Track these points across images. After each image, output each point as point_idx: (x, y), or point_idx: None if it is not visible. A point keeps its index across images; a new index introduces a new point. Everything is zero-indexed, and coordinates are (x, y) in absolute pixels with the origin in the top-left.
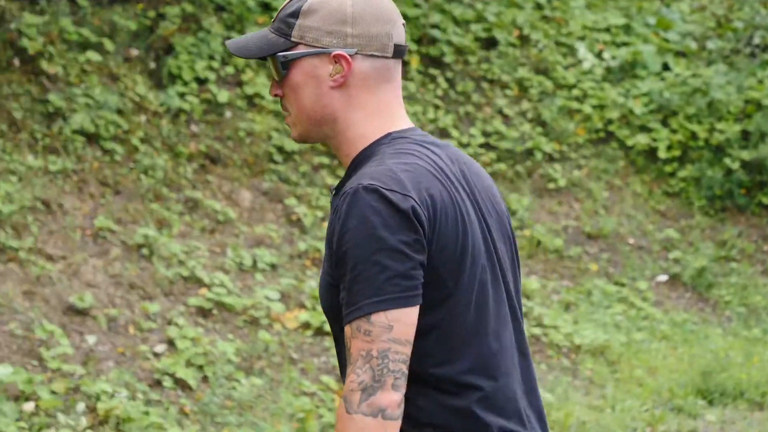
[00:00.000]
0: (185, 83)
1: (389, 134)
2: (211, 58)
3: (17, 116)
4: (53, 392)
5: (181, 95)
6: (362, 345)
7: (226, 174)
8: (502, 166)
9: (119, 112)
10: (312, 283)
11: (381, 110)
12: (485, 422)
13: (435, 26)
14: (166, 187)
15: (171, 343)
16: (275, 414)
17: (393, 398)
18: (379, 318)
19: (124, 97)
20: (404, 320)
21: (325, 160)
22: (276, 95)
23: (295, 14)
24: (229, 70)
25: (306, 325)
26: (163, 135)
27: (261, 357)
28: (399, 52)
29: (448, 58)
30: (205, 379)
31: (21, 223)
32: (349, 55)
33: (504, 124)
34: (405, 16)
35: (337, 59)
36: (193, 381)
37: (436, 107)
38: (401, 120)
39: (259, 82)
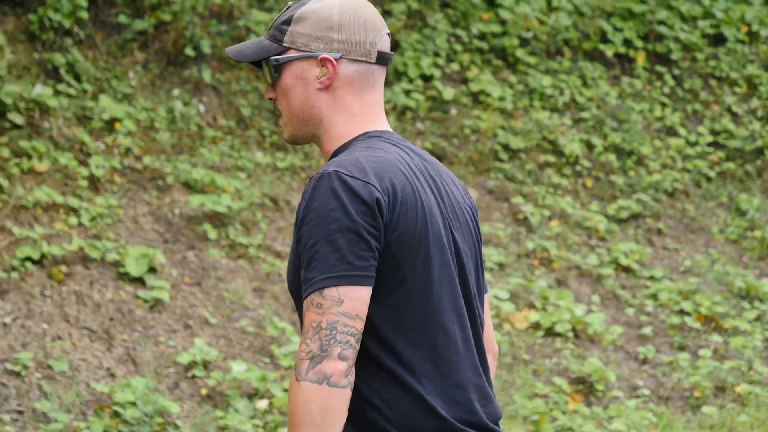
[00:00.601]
0: (410, 80)
1: (366, 132)
2: (437, 54)
3: (245, 113)
4: (286, 390)
5: (407, 92)
6: (313, 317)
7: (452, 171)
8: (730, 165)
9: None
10: (542, 283)
11: (364, 111)
12: (431, 407)
13: (662, 23)
14: None
15: None
16: (509, 416)
17: (338, 367)
18: (331, 292)
19: None
20: (354, 296)
21: (551, 158)
22: (270, 98)
23: (288, 21)
24: (455, 67)
25: (536, 326)
26: None
27: None
28: (382, 59)
29: (675, 55)
30: None
31: (250, 220)
32: (335, 59)
33: (733, 123)
34: (630, 13)
35: (323, 62)
36: None
37: (663, 105)
38: (381, 122)
39: (485, 80)
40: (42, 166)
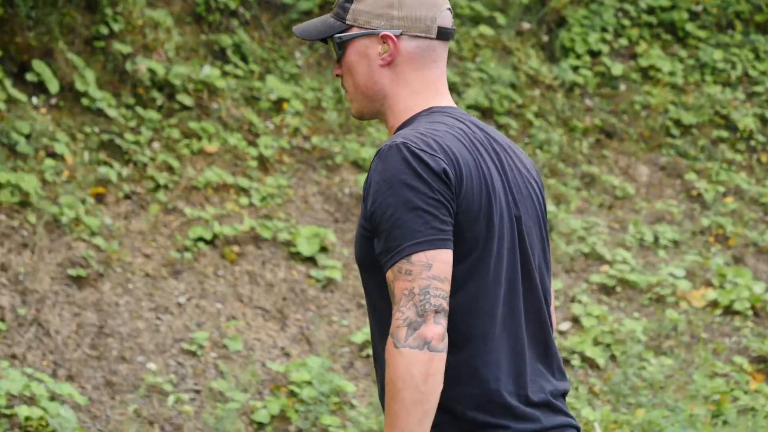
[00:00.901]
0: (578, 56)
1: (431, 108)
2: (604, 30)
3: None
4: None
5: (575, 68)
6: (404, 284)
7: (622, 148)
8: None
9: (512, 86)
10: (718, 260)
11: (426, 87)
12: (484, 377)
13: None
14: (561, 162)
15: (576, 320)
16: (690, 395)
17: (436, 331)
18: (419, 257)
19: (518, 70)
20: (441, 259)
21: (724, 133)
22: (337, 75)
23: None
24: (623, 42)
25: (714, 304)
26: (557, 109)
27: (669, 336)
28: (444, 34)
29: None
30: (612, 358)
31: None
32: (395, 36)
33: None
34: None
35: (384, 39)
36: (601, 360)
37: None
38: (444, 98)
39: (654, 54)
40: (212, 147)
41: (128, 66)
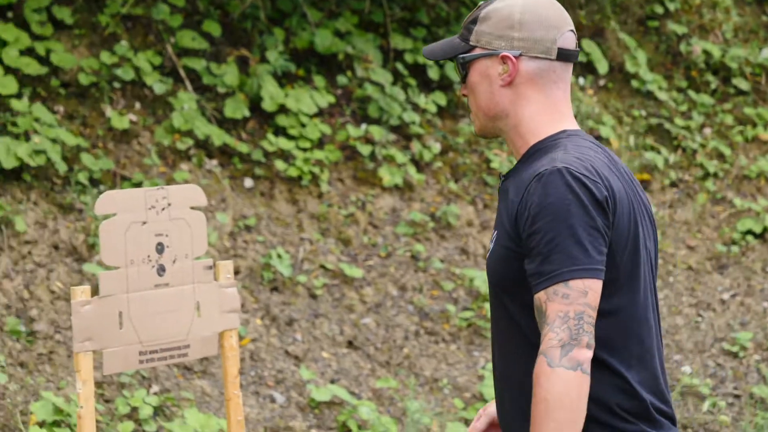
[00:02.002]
0: None
1: (565, 131)
2: None
3: None
4: None
5: None
6: (560, 307)
7: None
8: None
9: None
10: None
11: (549, 108)
12: (638, 392)
13: None
14: None
15: None
16: None
17: (587, 355)
18: (577, 284)
19: None
20: (596, 288)
21: None
22: (464, 95)
23: (474, 21)
24: None
25: None
26: None
27: None
28: (565, 56)
29: None
30: None
31: None
32: (514, 56)
33: None
34: None
35: (504, 60)
36: None
37: None
38: (570, 121)
39: None
40: (767, 135)
41: (682, 47)
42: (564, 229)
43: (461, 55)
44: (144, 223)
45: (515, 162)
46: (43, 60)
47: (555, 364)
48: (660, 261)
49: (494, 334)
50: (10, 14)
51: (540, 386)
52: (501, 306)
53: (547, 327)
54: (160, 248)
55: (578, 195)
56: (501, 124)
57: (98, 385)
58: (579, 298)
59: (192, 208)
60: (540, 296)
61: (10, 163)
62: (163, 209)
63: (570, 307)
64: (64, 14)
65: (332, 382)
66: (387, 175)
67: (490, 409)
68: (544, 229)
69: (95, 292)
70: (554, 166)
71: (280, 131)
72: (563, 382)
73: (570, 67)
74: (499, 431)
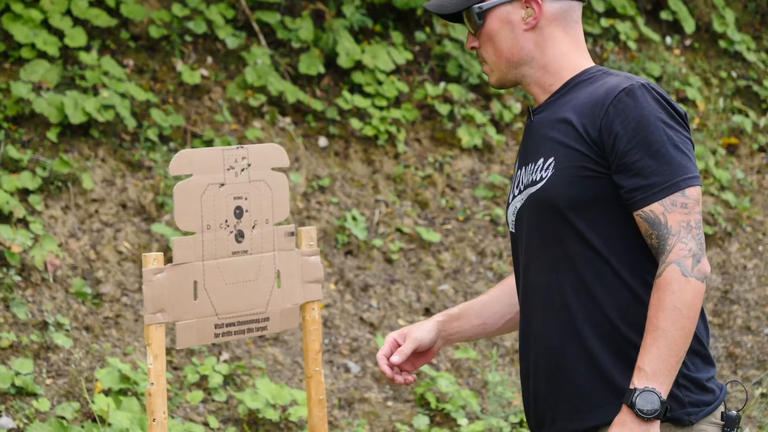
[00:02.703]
0: None
1: (595, 66)
2: None
3: None
4: None
5: None
6: (681, 217)
7: None
8: None
9: None
10: None
11: (576, 46)
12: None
13: None
14: None
15: None
16: None
17: (708, 265)
18: (692, 192)
19: None
20: (701, 196)
21: None
22: (473, 47)
23: None
24: None
25: None
26: None
27: None
28: None
29: None
30: None
31: None
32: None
33: None
34: None
35: (528, 3)
36: None
37: None
38: (589, 58)
39: None
40: None
41: None
42: (666, 141)
43: (477, 5)
44: (222, 185)
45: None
46: (113, 11)
47: (689, 273)
48: (748, 229)
49: (545, 257)
50: None
51: (672, 293)
52: (564, 228)
53: (673, 238)
54: (238, 212)
55: (667, 109)
56: (525, 69)
57: (166, 351)
58: (695, 206)
59: (273, 169)
60: (654, 208)
61: (77, 118)
62: (242, 170)
63: (690, 216)
64: None
65: None
66: (466, 136)
67: (416, 334)
68: (645, 142)
69: (167, 257)
70: (638, 82)
71: (356, 89)
72: (693, 292)
73: (581, 6)
74: (422, 360)
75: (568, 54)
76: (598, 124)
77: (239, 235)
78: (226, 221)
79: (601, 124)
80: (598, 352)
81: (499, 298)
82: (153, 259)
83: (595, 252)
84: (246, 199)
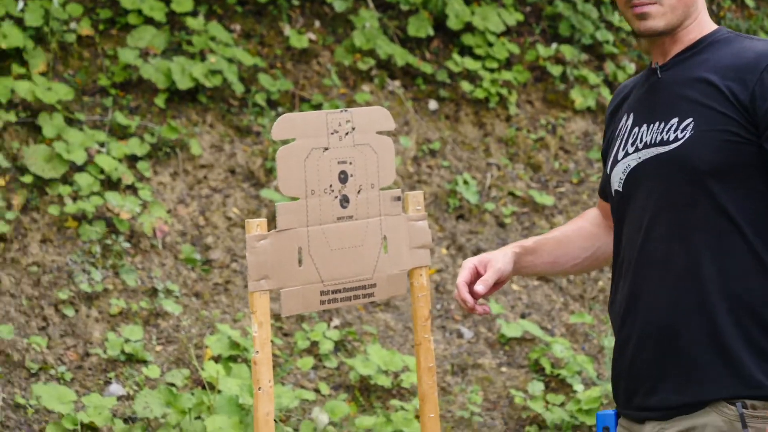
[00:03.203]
0: None
1: (723, 27)
2: None
3: None
4: None
5: None
6: None
7: None
8: None
9: None
10: None
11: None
12: None
13: None
14: None
15: None
16: None
17: None
18: None
19: None
20: None
21: None
22: None
23: None
24: None
25: None
26: None
27: None
28: None
29: None
30: None
31: None
32: None
33: None
34: None
35: None
36: None
37: None
38: None
39: None
40: None
41: None
42: None
43: None
44: (326, 149)
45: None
46: None
47: None
48: None
49: (671, 222)
50: None
51: None
52: (699, 193)
53: None
54: (343, 177)
55: None
56: (686, 16)
57: (276, 317)
58: None
59: (378, 132)
60: None
61: (185, 84)
62: (346, 134)
63: None
64: None
65: (523, 316)
66: (579, 97)
67: (499, 264)
68: None
69: (272, 223)
70: None
71: (466, 51)
72: None
73: None
74: (494, 289)
75: (705, 10)
76: (750, 89)
77: (344, 200)
78: (331, 186)
79: (755, 89)
80: (723, 324)
81: (573, 239)
82: (256, 225)
83: (730, 221)
84: (350, 163)
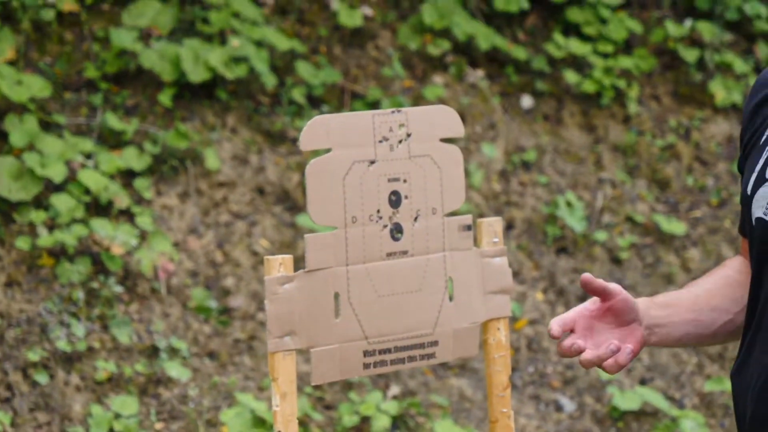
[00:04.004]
0: None
1: None
2: None
3: None
4: None
5: None
6: None
7: None
8: None
9: None
10: None
11: None
12: None
13: None
14: None
15: None
16: None
17: None
18: None
19: None
20: None
21: None
22: None
23: None
24: None
25: None
26: None
27: None
28: None
29: None
30: None
31: None
32: None
33: None
34: None
35: None
36: None
37: None
38: None
39: None
40: None
41: None
42: None
43: None
44: (372, 162)
45: None
46: None
47: None
48: None
49: None
50: None
51: None
52: None
53: None
54: (395, 200)
55: None
56: None
57: (314, 385)
58: None
59: (442, 140)
60: None
61: (199, 75)
62: (400, 142)
63: None
64: None
65: (642, 383)
66: (721, 91)
67: (619, 289)
68: None
69: (301, 261)
70: None
71: (572, 29)
72: None
73: None
74: (628, 336)
75: None
76: None
77: (396, 230)
78: (379, 212)
79: None
80: None
81: (717, 290)
82: (279, 264)
83: None
84: (405, 181)
